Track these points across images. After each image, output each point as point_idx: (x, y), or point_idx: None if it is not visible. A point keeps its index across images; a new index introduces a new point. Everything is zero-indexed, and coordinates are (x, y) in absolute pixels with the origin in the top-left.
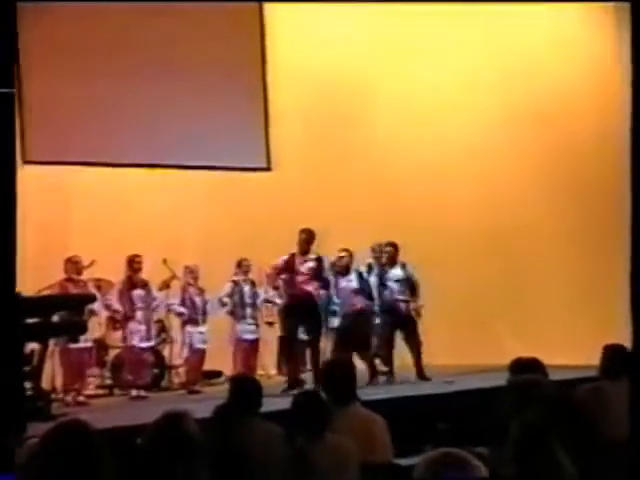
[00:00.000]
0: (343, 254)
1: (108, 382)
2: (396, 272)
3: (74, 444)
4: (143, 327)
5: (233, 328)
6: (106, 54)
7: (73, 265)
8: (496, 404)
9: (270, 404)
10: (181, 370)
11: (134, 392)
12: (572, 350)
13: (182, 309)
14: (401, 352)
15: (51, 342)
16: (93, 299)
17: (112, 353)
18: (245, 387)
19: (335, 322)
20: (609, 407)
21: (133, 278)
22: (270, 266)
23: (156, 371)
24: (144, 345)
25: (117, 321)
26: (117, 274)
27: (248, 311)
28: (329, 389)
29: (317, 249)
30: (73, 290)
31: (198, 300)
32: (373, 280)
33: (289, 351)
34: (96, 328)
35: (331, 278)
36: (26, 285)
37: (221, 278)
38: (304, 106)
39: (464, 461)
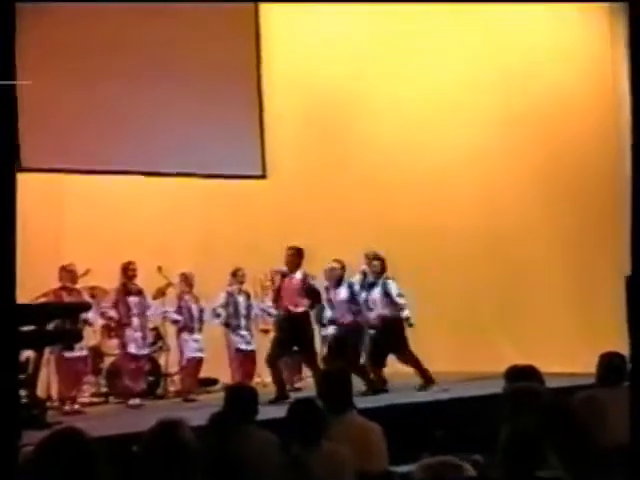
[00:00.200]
0: (335, 265)
1: (104, 390)
2: (377, 290)
3: (69, 452)
4: (139, 334)
5: (228, 339)
6: (102, 56)
7: (68, 274)
8: (493, 412)
9: (266, 412)
10: (177, 378)
11: (130, 400)
12: (568, 357)
13: (177, 316)
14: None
15: (46, 350)
16: (88, 307)
17: (107, 361)
18: (241, 395)
19: (329, 330)
20: (605, 415)
21: (128, 285)
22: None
23: (152, 379)
24: (140, 352)
25: (112, 329)
26: (112, 281)
27: (242, 322)
28: (325, 397)
29: (312, 258)
30: (68, 298)
31: (194, 308)
32: (364, 293)
33: (274, 365)
34: (91, 336)
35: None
36: (20, 292)
37: (216, 286)
38: (299, 113)
39: (459, 469)
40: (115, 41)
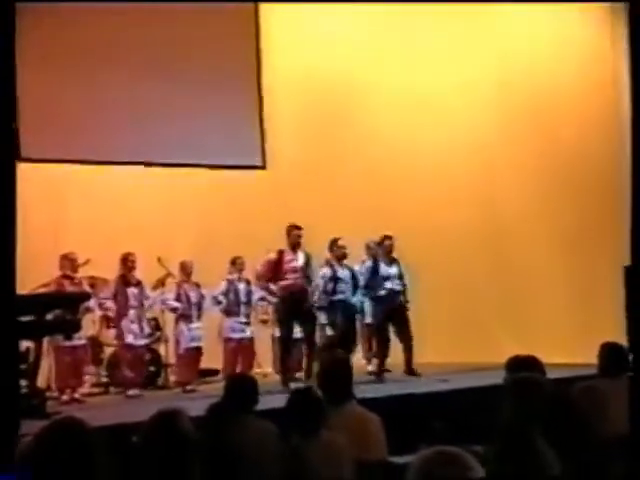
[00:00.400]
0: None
1: (104, 380)
2: (392, 268)
3: (69, 442)
4: (136, 325)
5: (222, 326)
6: (102, 54)
7: (69, 262)
8: (495, 402)
9: (266, 402)
10: (177, 368)
11: (130, 390)
12: (568, 348)
13: (176, 304)
14: (395, 350)
15: (45, 340)
16: (88, 297)
17: (107, 351)
18: (241, 385)
19: (322, 318)
20: (605, 406)
21: (127, 276)
22: (258, 269)
23: (152, 369)
24: (137, 343)
25: (111, 319)
26: (111, 272)
27: (242, 309)
28: (325, 387)
29: (310, 247)
30: (68, 287)
31: (193, 295)
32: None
33: (285, 350)
34: (90, 326)
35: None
36: (20, 283)
37: (216, 276)
38: (299, 104)
39: (459, 459)
40: (118, 35)
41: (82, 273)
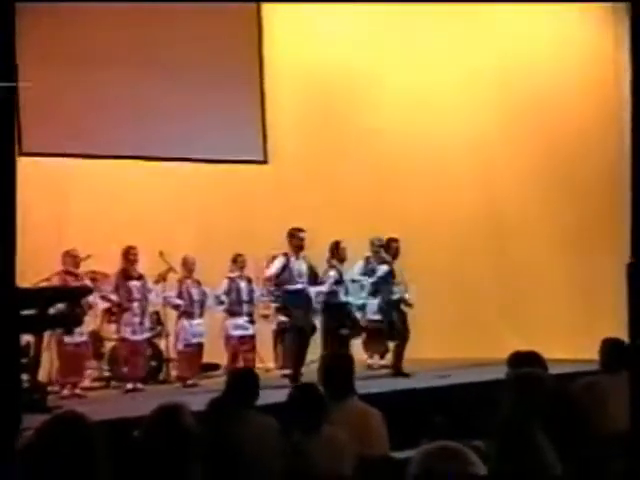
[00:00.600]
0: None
1: (105, 374)
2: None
3: (70, 436)
4: (137, 319)
5: (224, 324)
6: (105, 50)
7: (71, 258)
8: (496, 397)
9: (267, 397)
10: (177, 363)
11: (131, 385)
12: (569, 344)
13: (178, 301)
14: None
15: (46, 334)
16: (89, 291)
17: (108, 345)
18: (242, 380)
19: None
20: (606, 401)
21: (129, 270)
22: (264, 276)
23: (153, 364)
24: (138, 337)
25: (113, 313)
26: (113, 266)
27: (244, 308)
28: (327, 383)
29: (312, 243)
30: (71, 282)
31: (195, 292)
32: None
33: (300, 342)
34: (91, 320)
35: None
36: (21, 277)
37: (217, 271)
38: (301, 99)
39: (460, 454)
40: (121, 32)
41: (84, 268)
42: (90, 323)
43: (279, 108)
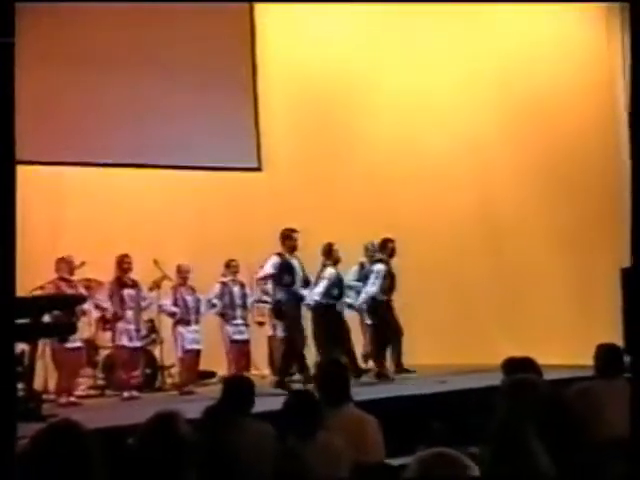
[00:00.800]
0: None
1: (100, 382)
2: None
3: (65, 444)
4: (132, 327)
5: (223, 329)
6: (98, 56)
7: (66, 265)
8: (492, 403)
9: (263, 404)
10: (174, 370)
11: (126, 393)
12: (565, 349)
13: (174, 309)
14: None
15: (41, 342)
16: (83, 300)
17: (103, 354)
18: (238, 387)
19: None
20: (601, 407)
21: (123, 278)
22: (258, 275)
23: (148, 371)
24: (133, 345)
25: (107, 321)
26: (107, 274)
27: (238, 312)
28: (322, 389)
29: (306, 249)
30: (65, 290)
31: (190, 299)
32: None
33: (292, 350)
34: (86, 328)
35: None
36: (17, 285)
37: (211, 278)
38: (295, 107)
39: (456, 461)
40: (114, 36)
41: (78, 275)
42: (84, 331)
43: (273, 114)
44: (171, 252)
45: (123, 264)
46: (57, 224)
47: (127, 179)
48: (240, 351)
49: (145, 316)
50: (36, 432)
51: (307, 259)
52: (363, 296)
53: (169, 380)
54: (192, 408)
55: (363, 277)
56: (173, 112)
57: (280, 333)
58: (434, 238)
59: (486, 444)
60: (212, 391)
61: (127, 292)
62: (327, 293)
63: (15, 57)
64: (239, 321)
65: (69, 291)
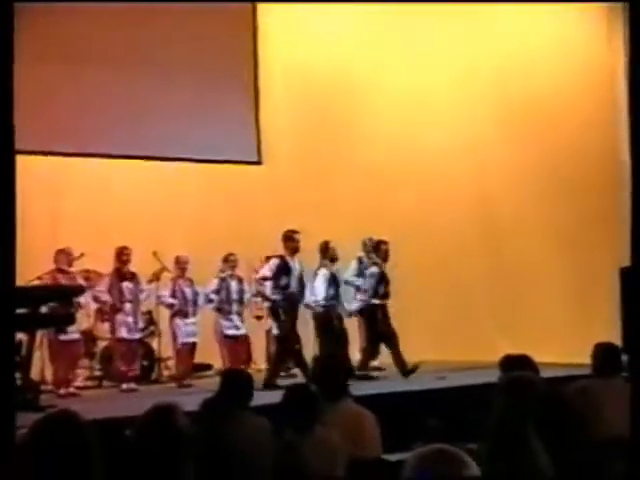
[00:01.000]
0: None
1: (97, 374)
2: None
3: (64, 434)
4: (130, 319)
5: (217, 324)
6: (100, 49)
7: (65, 256)
8: (490, 400)
9: (261, 398)
10: (171, 363)
11: (124, 385)
12: (562, 347)
13: (172, 300)
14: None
15: (39, 333)
16: (82, 291)
17: (101, 345)
18: (236, 380)
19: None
20: (599, 405)
21: (122, 270)
22: (258, 277)
23: (145, 363)
24: (131, 337)
25: (105, 313)
26: (106, 266)
27: (234, 307)
28: (321, 384)
29: (306, 244)
30: (63, 281)
31: (188, 291)
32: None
33: (285, 349)
34: (84, 320)
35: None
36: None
37: (210, 272)
38: (295, 101)
39: (455, 457)
40: (116, 31)
41: (77, 267)
42: (83, 322)
43: (273, 108)
44: (170, 245)
45: (122, 256)
46: (57, 215)
47: (127, 171)
48: (236, 346)
49: (143, 308)
50: (35, 422)
51: (305, 256)
52: (355, 304)
53: (166, 372)
54: (189, 401)
55: (362, 272)
56: (174, 105)
57: (275, 331)
58: (433, 236)
59: (484, 440)
60: (209, 384)
61: (126, 284)
62: (325, 295)
63: (16, 50)
64: (234, 316)
65: (66, 282)
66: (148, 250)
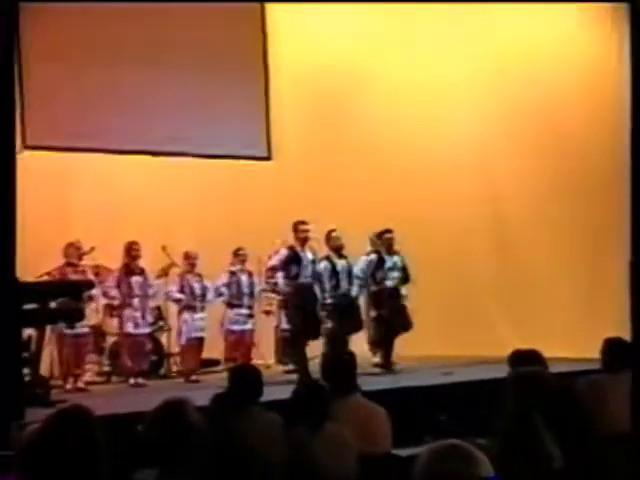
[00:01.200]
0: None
1: (106, 369)
2: (393, 261)
3: (76, 429)
4: (139, 314)
5: (224, 317)
6: (110, 45)
7: (75, 250)
8: (499, 395)
9: (269, 393)
10: (179, 358)
11: (132, 379)
12: (571, 342)
13: (180, 295)
14: (398, 343)
15: (48, 328)
16: (91, 286)
17: (110, 340)
18: (245, 376)
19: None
20: (608, 401)
21: (131, 265)
22: (267, 266)
23: (154, 358)
24: (140, 332)
25: (114, 308)
26: (116, 260)
27: (245, 301)
28: (330, 380)
29: (317, 237)
30: (72, 275)
31: (197, 287)
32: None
33: (298, 343)
34: (93, 315)
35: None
36: (24, 271)
37: (219, 267)
38: (305, 96)
39: (468, 453)
40: (127, 28)
41: (86, 261)
42: (92, 317)
43: (283, 104)
44: (179, 239)
45: (132, 251)
46: (66, 211)
47: (137, 167)
48: (238, 341)
49: (152, 303)
50: (47, 417)
51: (315, 250)
52: (354, 290)
53: (175, 368)
54: (199, 396)
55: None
56: (184, 102)
57: (285, 325)
58: (442, 231)
59: (493, 435)
60: (218, 379)
61: (135, 280)
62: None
63: (26, 48)
64: (245, 310)
65: (76, 277)
66: (156, 245)
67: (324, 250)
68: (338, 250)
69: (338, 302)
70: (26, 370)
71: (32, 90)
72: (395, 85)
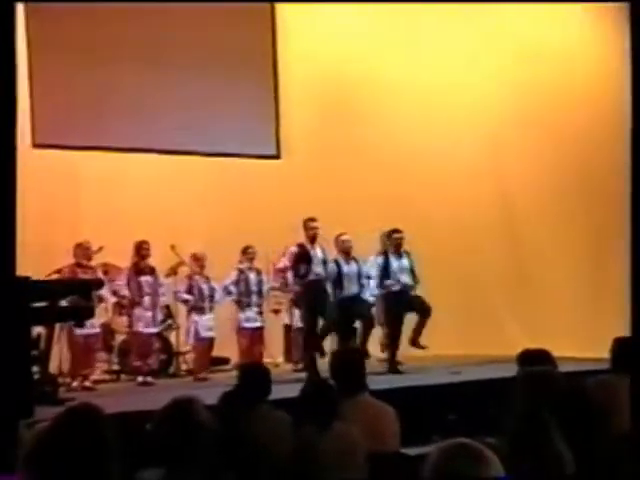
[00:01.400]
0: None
1: (115, 367)
2: (402, 261)
3: (85, 428)
4: (149, 313)
5: (236, 316)
6: (121, 43)
7: (83, 250)
8: (507, 394)
9: (277, 392)
10: (189, 357)
11: (141, 378)
12: (579, 342)
13: (188, 296)
14: (406, 343)
15: (57, 327)
16: (101, 284)
17: (119, 339)
18: (254, 374)
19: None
20: (618, 400)
21: (140, 264)
22: (275, 266)
23: (163, 357)
24: (149, 331)
25: (123, 307)
26: (125, 259)
27: (254, 299)
28: (338, 379)
29: (324, 238)
30: (82, 275)
31: (205, 288)
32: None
33: (310, 341)
34: (102, 313)
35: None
36: (34, 269)
37: (228, 265)
38: (314, 95)
39: (478, 452)
40: (137, 25)
41: (96, 260)
42: (101, 315)
43: (292, 103)
44: (188, 238)
45: (142, 250)
46: (77, 209)
47: (147, 165)
48: (250, 339)
49: (161, 302)
50: (57, 415)
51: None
52: (368, 292)
53: (184, 366)
54: (207, 394)
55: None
56: (194, 100)
57: (297, 323)
58: (449, 230)
59: (503, 435)
60: (226, 377)
61: (144, 279)
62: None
63: (36, 47)
64: (254, 308)
65: (85, 276)
66: (165, 244)
67: (333, 250)
68: (346, 253)
69: (348, 302)
70: (35, 368)
71: (41, 88)
72: (404, 85)
